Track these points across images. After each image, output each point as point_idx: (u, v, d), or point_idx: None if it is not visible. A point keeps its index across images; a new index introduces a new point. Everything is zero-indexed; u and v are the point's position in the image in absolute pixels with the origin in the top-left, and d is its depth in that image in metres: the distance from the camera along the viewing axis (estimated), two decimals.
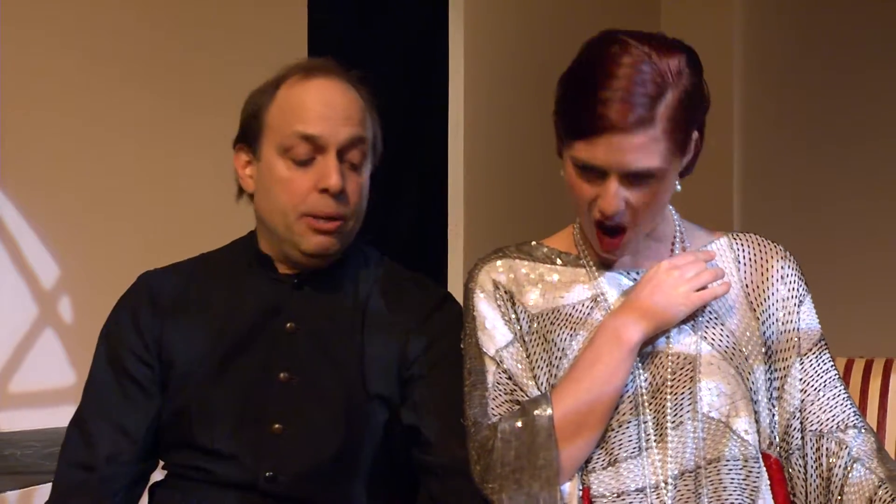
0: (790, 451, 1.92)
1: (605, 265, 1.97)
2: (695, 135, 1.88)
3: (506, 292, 1.98)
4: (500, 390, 1.94)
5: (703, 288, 1.89)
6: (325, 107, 2.02)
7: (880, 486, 1.85)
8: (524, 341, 1.97)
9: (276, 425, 2.02)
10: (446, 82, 3.78)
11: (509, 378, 1.94)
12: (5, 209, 3.67)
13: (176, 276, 2.15)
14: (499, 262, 2.00)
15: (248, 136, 2.07)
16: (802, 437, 1.92)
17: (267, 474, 1.99)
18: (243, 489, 2.01)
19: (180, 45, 3.83)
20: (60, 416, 3.60)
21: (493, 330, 1.97)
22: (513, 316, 1.97)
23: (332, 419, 2.04)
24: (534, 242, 2.02)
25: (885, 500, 1.84)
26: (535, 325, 1.97)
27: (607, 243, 1.89)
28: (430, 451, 2.00)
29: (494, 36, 3.92)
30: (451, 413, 1.97)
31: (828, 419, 1.92)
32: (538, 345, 1.96)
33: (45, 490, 2.73)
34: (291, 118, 2.02)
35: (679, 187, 1.92)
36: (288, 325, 2.07)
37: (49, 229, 3.76)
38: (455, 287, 3.49)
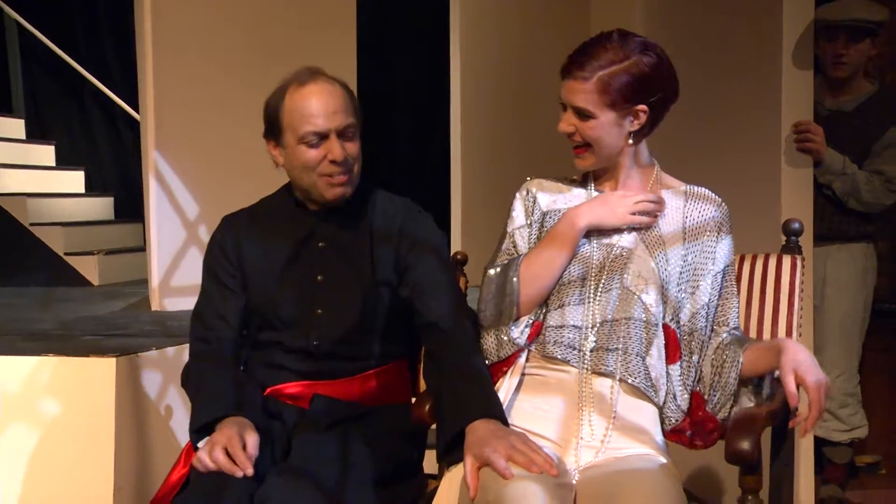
0: (694, 329, 1.95)
1: (600, 189, 2.03)
2: (640, 108, 1.92)
3: (532, 197, 2.05)
4: (505, 252, 2.03)
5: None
6: (320, 107, 2.03)
7: (724, 338, 1.95)
8: (531, 226, 2.04)
9: (318, 310, 2.09)
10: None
11: (514, 245, 2.03)
12: (163, 167, 3.67)
13: (246, 216, 2.20)
14: (535, 180, 2.07)
15: (273, 131, 2.10)
16: (705, 324, 1.95)
17: (314, 343, 2.08)
18: (301, 352, 2.09)
19: (278, 57, 3.60)
20: None
21: (517, 217, 2.05)
22: (531, 210, 2.04)
23: (352, 304, 2.08)
24: (564, 176, 2.09)
25: (726, 342, 1.93)
26: (543, 218, 2.03)
27: (574, 153, 2.00)
28: (423, 313, 2.04)
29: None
30: (436, 288, 2.05)
31: (723, 317, 1.97)
32: (537, 229, 2.03)
33: None
34: (301, 121, 2.03)
35: (631, 142, 1.96)
36: (320, 244, 2.12)
37: (191, 180, 3.74)
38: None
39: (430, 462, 2.16)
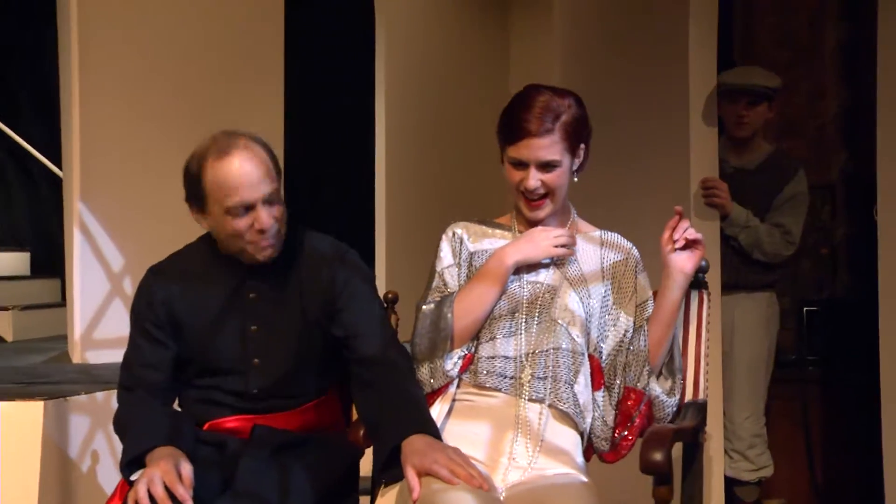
0: (619, 352, 2.09)
1: (522, 231, 2.16)
2: (581, 146, 2.10)
3: (459, 238, 2.18)
4: (436, 290, 2.16)
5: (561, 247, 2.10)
6: (244, 179, 2.02)
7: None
8: (460, 266, 2.17)
9: (255, 360, 2.13)
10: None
11: (444, 284, 2.15)
12: (88, 219, 3.67)
13: (173, 267, 2.21)
14: (461, 223, 2.21)
15: (196, 199, 2.09)
16: (629, 349, 2.09)
17: (254, 391, 2.13)
18: (240, 398, 2.14)
19: (205, 109, 3.77)
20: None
21: (444, 258, 2.18)
22: (458, 251, 2.17)
23: (288, 350, 2.13)
24: (487, 219, 2.24)
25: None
26: (471, 258, 2.17)
27: (532, 206, 2.11)
28: (358, 350, 2.09)
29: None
30: (369, 327, 2.11)
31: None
32: (466, 268, 2.17)
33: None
34: (226, 194, 2.02)
35: (576, 179, 2.13)
36: (251, 295, 2.14)
37: (117, 232, 3.74)
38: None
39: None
